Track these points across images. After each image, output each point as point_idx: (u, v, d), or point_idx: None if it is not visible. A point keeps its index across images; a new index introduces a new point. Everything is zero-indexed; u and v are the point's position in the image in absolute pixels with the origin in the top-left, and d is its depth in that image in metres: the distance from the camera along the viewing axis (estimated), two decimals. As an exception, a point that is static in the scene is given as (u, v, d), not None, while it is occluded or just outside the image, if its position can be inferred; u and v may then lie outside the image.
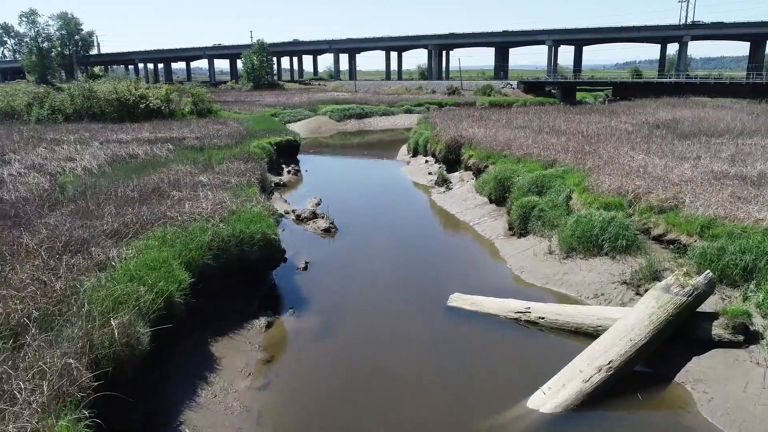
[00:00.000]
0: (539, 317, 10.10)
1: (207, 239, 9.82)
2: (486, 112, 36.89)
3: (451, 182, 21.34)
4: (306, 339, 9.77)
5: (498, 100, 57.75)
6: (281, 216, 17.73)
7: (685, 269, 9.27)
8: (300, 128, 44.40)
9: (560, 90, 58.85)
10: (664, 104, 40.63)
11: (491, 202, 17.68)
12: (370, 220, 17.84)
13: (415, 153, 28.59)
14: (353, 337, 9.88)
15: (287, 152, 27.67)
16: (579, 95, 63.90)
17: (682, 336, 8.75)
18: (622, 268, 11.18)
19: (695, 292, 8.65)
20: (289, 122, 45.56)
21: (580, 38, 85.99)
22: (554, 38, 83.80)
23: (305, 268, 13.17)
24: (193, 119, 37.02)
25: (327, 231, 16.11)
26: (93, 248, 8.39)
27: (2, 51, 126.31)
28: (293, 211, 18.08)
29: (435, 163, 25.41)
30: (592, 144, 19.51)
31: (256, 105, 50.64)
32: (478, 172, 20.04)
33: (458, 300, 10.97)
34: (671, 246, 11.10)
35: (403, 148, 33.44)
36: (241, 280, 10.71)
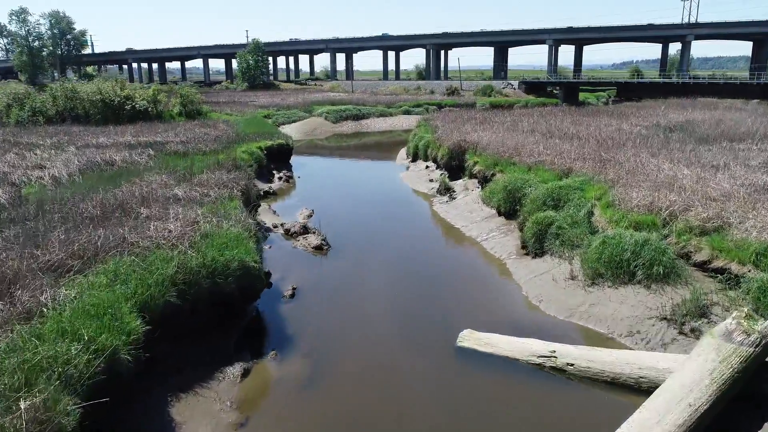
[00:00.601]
0: (567, 363, 8.48)
1: (170, 272, 8.19)
2: (488, 113, 35.30)
3: (454, 191, 19.73)
4: (289, 391, 8.15)
5: (499, 101, 56.17)
6: (268, 230, 16.14)
7: (745, 310, 7.66)
8: (294, 130, 42.82)
9: (563, 90, 57.27)
10: (673, 105, 39.11)
11: (500, 214, 16.08)
12: (366, 235, 16.21)
13: (414, 158, 26.99)
14: (346, 389, 8.26)
15: (279, 157, 26.05)
16: (581, 96, 62.37)
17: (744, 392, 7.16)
18: (660, 300, 9.57)
19: (764, 341, 7.06)
20: (283, 124, 43.96)
21: (581, 37, 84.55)
22: (555, 37, 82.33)
23: (292, 296, 11.55)
24: (181, 121, 35.36)
25: (319, 248, 14.48)
26: (20, 290, 6.73)
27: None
28: (282, 225, 16.45)
29: (436, 169, 23.80)
30: (608, 150, 17.91)
31: (249, 106, 48.99)
32: (484, 180, 18.44)
33: (470, 339, 9.34)
34: (718, 275, 9.51)
35: (402, 152, 31.83)
36: (214, 318, 9.08)
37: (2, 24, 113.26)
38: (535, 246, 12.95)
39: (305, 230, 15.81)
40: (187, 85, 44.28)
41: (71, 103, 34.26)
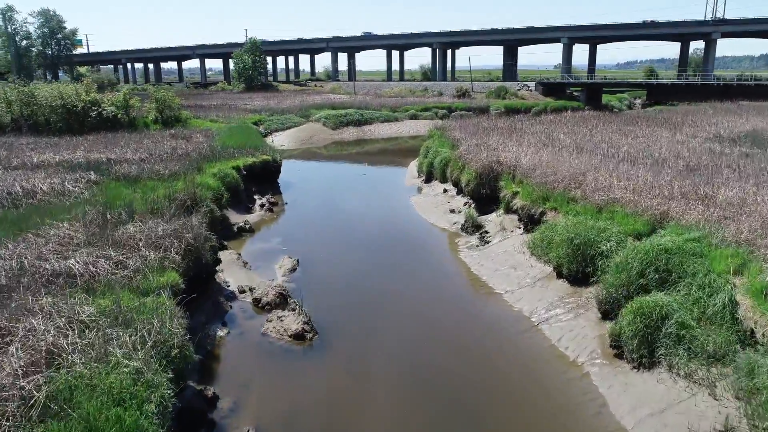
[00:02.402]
0: None
1: None
2: (511, 120, 30.43)
3: (487, 232, 14.91)
4: None
5: (514, 104, 51.23)
6: (231, 298, 11.42)
7: None
8: (288, 138, 38.12)
9: (585, 92, 52.19)
10: (720, 111, 34.22)
11: (560, 276, 11.30)
12: (369, 308, 11.40)
13: (428, 177, 22.15)
14: None
15: (263, 178, 21.28)
16: (603, 98, 57.30)
17: None
18: None
19: None
20: (276, 131, 39.27)
21: (598, 35, 79.57)
22: (570, 35, 77.38)
23: (244, 458, 6.79)
24: (155, 130, 30.65)
25: (299, 337, 9.70)
26: None
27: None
28: (251, 290, 11.68)
29: (458, 194, 18.99)
30: (704, 177, 13.06)
31: (238, 110, 44.21)
32: (529, 220, 13.65)
33: None
34: None
35: (412, 167, 27.01)
36: None
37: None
38: (639, 350, 8.14)
39: (282, 300, 11.05)
40: (163, 88, 39.24)
41: (28, 108, 29.57)
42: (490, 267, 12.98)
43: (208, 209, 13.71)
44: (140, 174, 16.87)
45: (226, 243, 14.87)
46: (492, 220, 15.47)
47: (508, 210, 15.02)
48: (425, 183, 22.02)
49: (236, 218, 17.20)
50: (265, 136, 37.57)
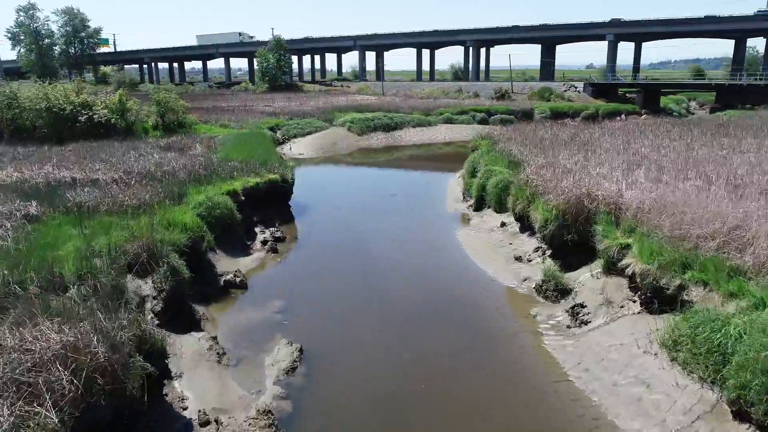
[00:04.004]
0: None
1: None
2: (570, 127, 25.45)
3: (582, 305, 10.11)
4: None
5: (561, 107, 45.90)
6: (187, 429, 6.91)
7: None
8: (308, 145, 33.74)
9: (641, 94, 46.47)
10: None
11: (743, 417, 6.50)
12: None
13: (479, 204, 17.35)
14: None
15: (269, 202, 16.88)
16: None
17: None
18: None
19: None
20: (296, 137, 34.93)
21: (647, 31, 73.35)
22: (616, 31, 71.37)
23: None
24: (155, 137, 26.58)
25: None
26: None
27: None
28: (218, 424, 7.15)
29: (523, 232, 14.20)
30: None
31: (255, 113, 39.99)
32: (656, 294, 8.84)
33: None
34: None
35: (454, 186, 22.29)
36: None
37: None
38: None
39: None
40: (164, 88, 34.85)
41: (9, 112, 25.78)
42: (601, 376, 8.20)
43: (167, 271, 9.25)
44: (99, 204, 12.62)
45: (202, 311, 10.45)
46: (586, 283, 10.67)
47: (611, 269, 10.23)
48: (475, 211, 17.24)
49: (226, 265, 12.76)
50: (282, 143, 33.28)
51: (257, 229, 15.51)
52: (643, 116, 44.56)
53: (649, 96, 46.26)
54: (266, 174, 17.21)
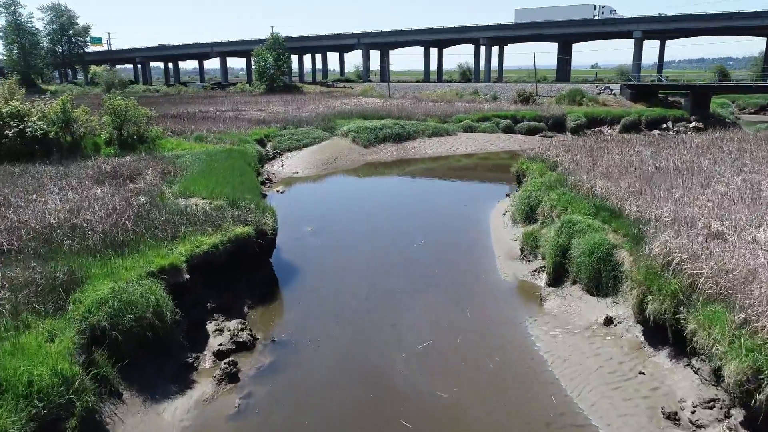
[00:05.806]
0: None
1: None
2: (645, 143, 19.55)
3: None
4: None
5: (597, 112, 39.91)
6: None
7: None
8: (304, 161, 27.88)
9: (691, 98, 40.24)
10: None
11: None
12: None
13: (557, 275, 11.25)
14: None
15: (236, 270, 11.03)
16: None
17: None
18: None
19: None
20: (290, 150, 29.10)
21: (675, 28, 67.30)
22: (644, 28, 65.38)
23: None
24: (108, 154, 20.79)
25: None
26: None
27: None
28: None
29: (656, 346, 8.34)
30: None
31: (244, 121, 34.08)
32: None
33: None
34: None
35: (498, 225, 16.41)
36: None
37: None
38: None
39: None
40: (119, 95, 28.76)
41: None
42: None
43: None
44: None
45: None
46: None
47: None
48: (550, 286, 11.27)
49: (136, 421, 6.95)
50: (272, 158, 27.47)
51: (211, 326, 9.67)
52: (693, 123, 38.65)
53: (698, 99, 40.31)
54: (233, 227, 11.35)
